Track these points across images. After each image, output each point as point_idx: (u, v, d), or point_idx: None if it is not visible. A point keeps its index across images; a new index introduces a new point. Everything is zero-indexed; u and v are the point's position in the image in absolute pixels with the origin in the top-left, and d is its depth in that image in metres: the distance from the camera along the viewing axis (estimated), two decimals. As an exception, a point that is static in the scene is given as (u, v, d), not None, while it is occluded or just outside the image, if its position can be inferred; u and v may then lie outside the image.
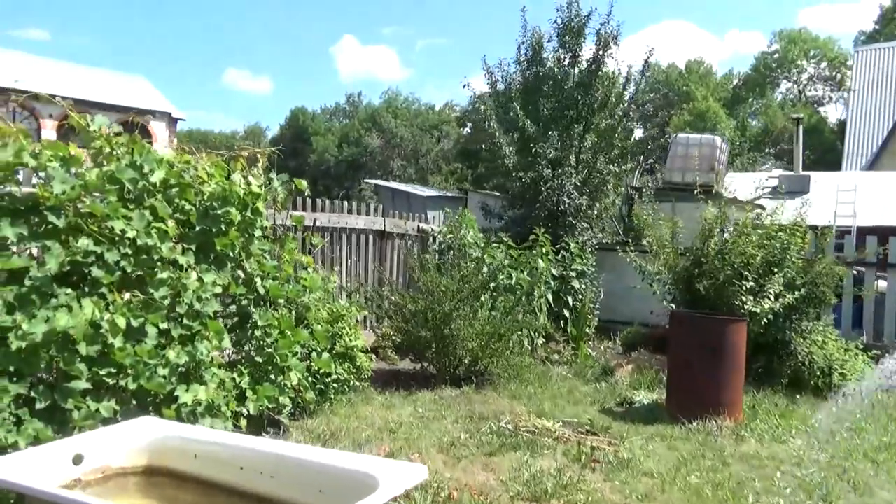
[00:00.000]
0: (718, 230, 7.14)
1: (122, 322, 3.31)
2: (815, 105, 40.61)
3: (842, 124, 35.32)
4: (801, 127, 16.79)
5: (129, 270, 3.53)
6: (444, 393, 5.90)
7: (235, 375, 4.22)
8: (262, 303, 4.61)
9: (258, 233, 4.52)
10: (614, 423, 5.15)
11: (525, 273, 8.17)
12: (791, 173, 15.90)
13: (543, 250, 8.56)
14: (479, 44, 77.77)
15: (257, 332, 4.45)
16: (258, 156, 4.85)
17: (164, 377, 3.49)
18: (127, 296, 3.52)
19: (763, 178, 16.63)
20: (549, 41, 10.19)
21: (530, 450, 4.32)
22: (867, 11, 75.14)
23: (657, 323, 8.30)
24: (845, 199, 13.12)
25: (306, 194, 5.34)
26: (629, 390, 6.29)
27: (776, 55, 43.41)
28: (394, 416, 5.05)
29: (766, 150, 34.51)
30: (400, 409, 5.30)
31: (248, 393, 4.25)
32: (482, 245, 7.98)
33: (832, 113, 41.16)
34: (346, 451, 2.59)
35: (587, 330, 8.79)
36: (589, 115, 9.93)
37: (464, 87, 10.85)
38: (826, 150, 33.47)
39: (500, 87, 10.54)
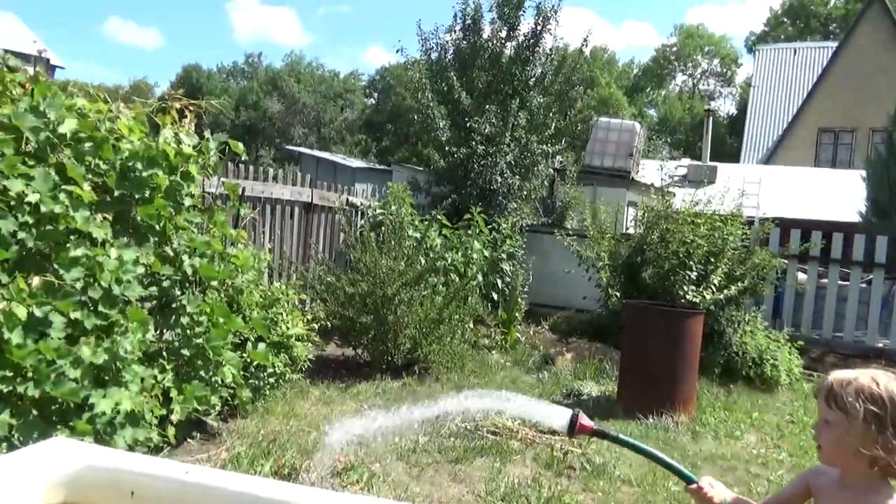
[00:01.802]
0: (663, 220, 7.01)
1: (21, 312, 2.58)
2: (708, 99, 42.75)
3: (732, 119, 37.46)
4: (710, 119, 17.36)
5: (29, 245, 2.77)
6: (384, 385, 5.39)
7: (157, 372, 3.52)
8: (188, 284, 3.91)
9: (188, 201, 3.81)
10: (572, 420, 4.85)
11: (459, 254, 7.77)
12: (699, 163, 16.42)
13: (478, 231, 8.18)
14: (380, 14, 75.87)
15: (184, 320, 3.75)
16: (186, 110, 4.11)
17: (76, 381, 2.78)
18: (36, 280, 2.76)
19: (672, 166, 17.10)
20: (488, 10, 9.73)
21: (498, 455, 3.92)
22: (754, 14, 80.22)
23: (589, 308, 8.15)
24: (751, 190, 13.62)
25: (243, 159, 4.62)
26: (574, 381, 6.04)
27: (674, 48, 45.27)
28: (336, 415, 4.50)
29: (664, 140, 35.93)
30: (341, 406, 4.75)
31: (174, 393, 3.57)
32: (416, 224, 7.48)
33: (722, 108, 43.56)
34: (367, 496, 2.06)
35: (517, 314, 8.53)
36: (524, 91, 9.59)
37: (397, 51, 10.13)
38: (718, 143, 35.28)
39: (434, 55, 9.97)
